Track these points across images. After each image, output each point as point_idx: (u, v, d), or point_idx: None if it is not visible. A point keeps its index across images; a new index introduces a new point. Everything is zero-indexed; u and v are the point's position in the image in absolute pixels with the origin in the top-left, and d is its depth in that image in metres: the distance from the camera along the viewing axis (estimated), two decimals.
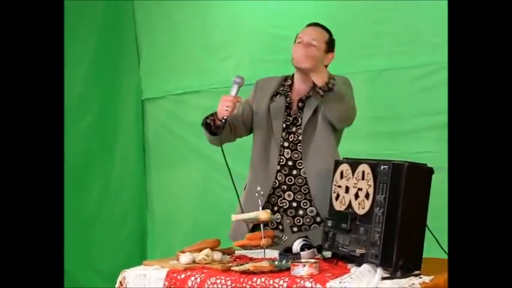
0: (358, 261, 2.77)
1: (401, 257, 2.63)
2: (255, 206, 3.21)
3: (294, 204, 3.47)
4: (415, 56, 4.48)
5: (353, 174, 2.91)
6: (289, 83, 3.59)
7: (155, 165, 5.71)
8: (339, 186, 2.99)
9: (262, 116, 3.55)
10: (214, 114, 3.45)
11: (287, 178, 3.48)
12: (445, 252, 2.81)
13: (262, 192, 3.12)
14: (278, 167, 3.49)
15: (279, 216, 3.26)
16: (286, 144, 3.50)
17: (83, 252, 5.40)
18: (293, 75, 3.60)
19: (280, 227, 3.46)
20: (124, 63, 5.67)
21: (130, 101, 5.68)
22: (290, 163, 3.49)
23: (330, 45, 3.56)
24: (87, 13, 5.46)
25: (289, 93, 3.56)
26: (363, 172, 2.83)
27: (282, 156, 3.49)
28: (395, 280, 2.59)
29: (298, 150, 3.48)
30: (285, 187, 3.48)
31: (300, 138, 3.47)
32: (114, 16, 5.62)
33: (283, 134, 3.50)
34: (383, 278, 2.60)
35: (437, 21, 4.45)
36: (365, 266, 2.70)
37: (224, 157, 3.38)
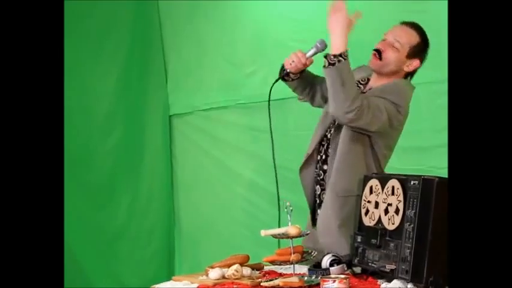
0: (389, 277, 2.77)
1: (432, 272, 2.62)
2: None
3: (318, 200, 3.43)
4: (439, 71, 4.47)
5: (383, 190, 2.91)
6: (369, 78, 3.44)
7: (182, 181, 5.72)
8: (369, 202, 2.99)
9: None
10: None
11: (320, 171, 3.41)
12: None
13: (291, 208, 3.11)
14: (318, 157, 3.42)
15: (309, 231, 3.25)
16: (329, 136, 3.38)
17: (110, 268, 5.42)
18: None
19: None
20: (151, 79, 5.69)
21: (158, 116, 5.70)
22: (324, 157, 3.40)
23: (416, 51, 3.36)
24: (114, 30, 5.50)
25: (362, 87, 3.42)
26: (393, 187, 2.83)
27: (322, 147, 3.41)
28: None
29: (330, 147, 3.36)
30: (319, 179, 3.42)
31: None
32: (142, 32, 5.65)
33: (335, 125, 3.35)
34: None
35: None
36: (395, 282, 2.70)
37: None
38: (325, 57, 3.15)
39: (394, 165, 4.35)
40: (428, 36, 4.38)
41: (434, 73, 4.53)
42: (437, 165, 4.43)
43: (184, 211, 5.73)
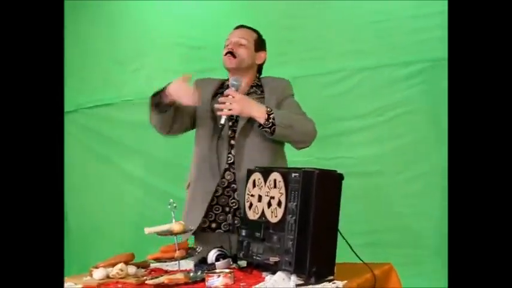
0: (273, 269, 2.77)
1: (314, 263, 2.64)
2: (198, 206, 3.33)
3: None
4: (326, 63, 4.54)
5: (265, 183, 2.91)
6: (227, 84, 3.53)
7: (70, 180, 5.58)
8: (252, 195, 2.99)
9: (205, 114, 3.48)
10: (162, 94, 3.32)
11: (236, 177, 3.41)
12: (357, 256, 2.84)
13: (175, 204, 3.07)
14: (226, 165, 3.41)
15: (194, 228, 3.23)
16: (233, 142, 3.42)
17: None
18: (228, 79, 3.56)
19: (230, 228, 3.40)
20: None
21: None
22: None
23: (260, 44, 3.61)
24: None
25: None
26: (275, 180, 2.84)
27: (230, 155, 3.41)
28: (309, 287, 2.61)
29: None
30: (235, 186, 3.41)
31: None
32: None
33: (230, 132, 3.43)
34: (297, 285, 2.61)
35: (346, 27, 4.53)
36: (279, 274, 2.70)
37: None
38: (262, 128, 3.29)
39: None
40: (313, 31, 4.47)
41: (321, 65, 4.61)
42: (325, 156, 4.50)
43: (72, 211, 5.62)
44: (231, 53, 3.51)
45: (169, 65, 5.07)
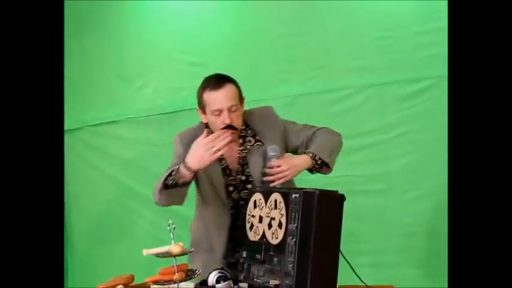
0: None
1: (315, 286, 2.59)
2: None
3: None
4: (330, 81, 4.50)
5: (266, 204, 2.87)
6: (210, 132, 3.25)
7: (75, 198, 5.57)
8: (253, 216, 2.95)
9: (202, 179, 3.34)
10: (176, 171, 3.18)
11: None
12: (359, 279, 2.79)
13: (174, 226, 3.02)
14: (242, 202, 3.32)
15: (193, 249, 3.17)
16: (241, 202, 3.31)
17: None
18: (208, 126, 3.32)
19: None
20: None
21: None
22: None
23: (241, 95, 3.31)
24: None
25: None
26: (276, 201, 2.80)
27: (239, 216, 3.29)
28: None
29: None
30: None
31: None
32: None
33: (234, 195, 3.34)
34: None
35: (350, 44, 4.48)
36: None
37: None
38: (317, 172, 3.34)
39: None
40: (317, 49, 4.43)
41: (325, 83, 4.57)
42: (330, 174, 4.44)
43: (77, 229, 5.58)
44: (231, 127, 3.21)
45: (173, 83, 5.05)
